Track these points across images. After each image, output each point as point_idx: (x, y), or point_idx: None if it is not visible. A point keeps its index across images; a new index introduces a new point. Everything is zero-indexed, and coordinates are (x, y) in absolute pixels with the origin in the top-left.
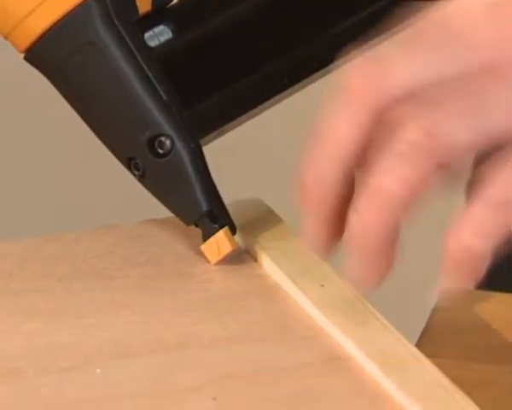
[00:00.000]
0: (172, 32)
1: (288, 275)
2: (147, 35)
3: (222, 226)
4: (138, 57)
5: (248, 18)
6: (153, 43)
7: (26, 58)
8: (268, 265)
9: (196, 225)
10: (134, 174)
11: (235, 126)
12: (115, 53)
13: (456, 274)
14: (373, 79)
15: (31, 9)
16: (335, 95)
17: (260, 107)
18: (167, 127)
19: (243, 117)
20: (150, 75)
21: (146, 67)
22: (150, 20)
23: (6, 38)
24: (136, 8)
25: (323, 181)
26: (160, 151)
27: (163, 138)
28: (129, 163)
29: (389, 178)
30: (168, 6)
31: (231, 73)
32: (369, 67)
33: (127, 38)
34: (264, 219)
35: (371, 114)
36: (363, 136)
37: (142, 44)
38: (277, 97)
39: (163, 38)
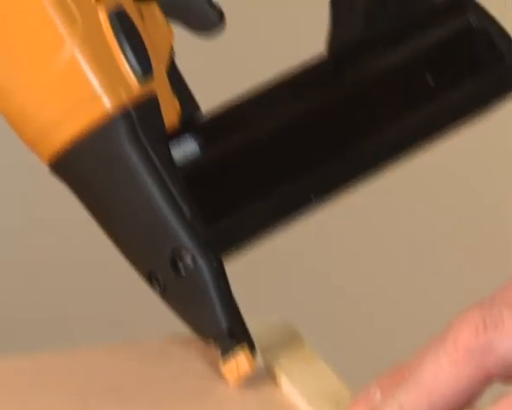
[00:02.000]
0: (199, 146)
1: (308, 400)
2: (173, 149)
3: (241, 345)
4: (163, 174)
5: (277, 134)
6: (179, 157)
7: (49, 168)
8: (288, 388)
9: (215, 343)
10: (154, 289)
11: (259, 242)
12: (140, 169)
13: None
14: (484, 342)
15: (56, 121)
16: (436, 341)
17: (285, 224)
18: (190, 244)
19: (267, 234)
20: (174, 192)
21: (170, 184)
22: (177, 135)
23: (30, 147)
24: (163, 125)
25: None
26: (182, 268)
27: (185, 255)
28: (149, 278)
29: None
30: (196, 121)
31: (257, 189)
32: (480, 325)
33: (153, 155)
34: (287, 340)
35: (479, 378)
36: (464, 396)
37: (168, 160)
38: (303, 213)
39: (189, 152)
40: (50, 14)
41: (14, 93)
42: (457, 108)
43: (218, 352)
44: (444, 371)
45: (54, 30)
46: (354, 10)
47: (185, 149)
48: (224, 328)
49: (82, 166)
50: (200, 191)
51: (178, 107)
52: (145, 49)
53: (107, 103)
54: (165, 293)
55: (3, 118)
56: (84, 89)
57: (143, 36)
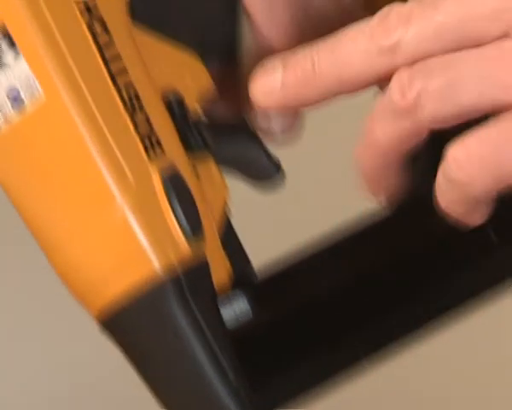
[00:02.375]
0: (251, 306)
1: None
2: (223, 308)
3: None
4: (210, 339)
5: (330, 296)
6: (229, 318)
7: (98, 324)
8: None
9: None
10: None
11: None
12: (187, 334)
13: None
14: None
15: (104, 278)
16: None
17: (333, 383)
18: None
19: (313, 393)
20: (221, 358)
21: (218, 349)
22: (228, 293)
23: (78, 300)
24: (212, 288)
25: None
26: None
27: None
28: None
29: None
30: (248, 279)
31: (307, 351)
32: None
33: (200, 319)
34: None
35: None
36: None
37: (216, 324)
38: (351, 374)
39: (240, 312)
40: (102, 171)
41: (64, 247)
42: None
43: None
44: (359, 54)
45: (105, 187)
46: (414, 170)
47: (236, 309)
48: None
49: (128, 325)
50: (250, 351)
51: (229, 267)
52: (197, 213)
53: (155, 264)
54: None
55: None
56: (133, 248)
57: (197, 195)
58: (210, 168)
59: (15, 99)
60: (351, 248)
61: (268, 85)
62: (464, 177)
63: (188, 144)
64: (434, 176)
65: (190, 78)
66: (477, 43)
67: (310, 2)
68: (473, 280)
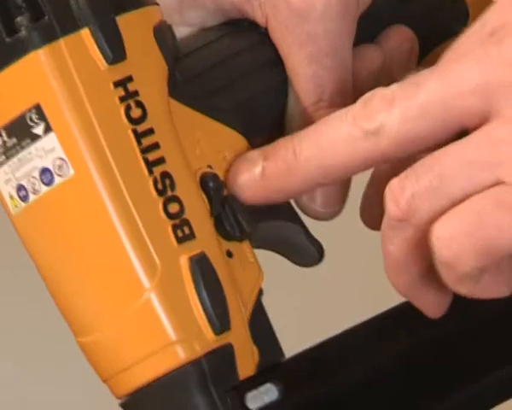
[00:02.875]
0: (279, 392)
1: None
2: (250, 394)
3: None
4: None
5: (362, 384)
6: (255, 405)
7: (121, 405)
8: None
9: None
10: None
11: None
12: None
13: None
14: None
15: (128, 364)
16: None
17: None
18: None
19: None
20: None
21: None
22: (256, 378)
23: (104, 381)
24: (236, 375)
25: None
26: None
27: None
28: None
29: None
30: (278, 367)
31: None
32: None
33: (220, 408)
34: None
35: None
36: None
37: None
38: None
39: (268, 399)
40: (127, 252)
41: (91, 331)
42: None
43: None
44: (341, 140)
45: (132, 273)
46: None
47: (263, 393)
48: None
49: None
50: None
51: (257, 355)
52: (225, 302)
53: (180, 354)
54: None
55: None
56: (157, 337)
57: (226, 280)
58: (244, 251)
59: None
60: (384, 331)
61: (248, 178)
62: (450, 255)
63: (222, 228)
64: None
65: (232, 157)
66: (461, 120)
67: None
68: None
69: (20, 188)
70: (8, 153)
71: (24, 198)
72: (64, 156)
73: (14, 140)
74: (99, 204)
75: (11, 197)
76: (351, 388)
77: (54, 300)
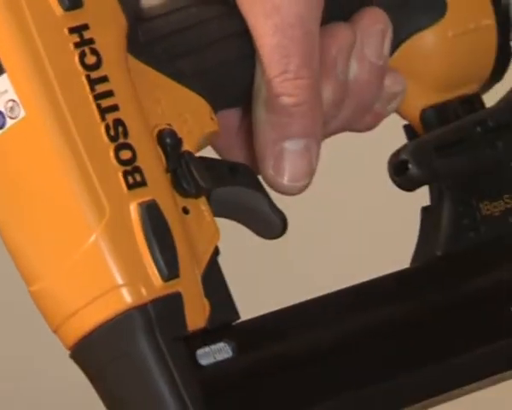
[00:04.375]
0: (233, 350)
1: None
2: (201, 351)
3: None
4: (175, 374)
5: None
6: (206, 361)
7: (70, 356)
8: None
9: None
10: None
11: None
12: (151, 367)
13: None
14: None
15: (73, 310)
16: None
17: None
18: None
19: None
20: (184, 395)
21: (181, 386)
22: (208, 336)
23: (55, 332)
24: (184, 325)
25: None
26: None
27: None
28: None
29: None
30: (231, 323)
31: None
32: None
33: (167, 354)
34: None
35: None
36: None
37: (183, 361)
38: None
39: (220, 357)
40: (78, 200)
41: (39, 278)
42: None
43: None
44: None
45: (80, 216)
46: (440, 229)
47: (215, 352)
48: None
49: (97, 358)
50: (227, 398)
51: (208, 309)
52: (174, 250)
53: (126, 298)
54: None
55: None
56: (103, 281)
57: (178, 232)
58: (201, 209)
59: None
60: (359, 299)
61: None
62: None
63: (179, 184)
64: (456, 233)
65: (193, 120)
66: None
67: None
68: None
69: None
70: None
71: None
72: (16, 98)
73: None
74: (49, 146)
75: None
76: (307, 352)
77: (6, 247)
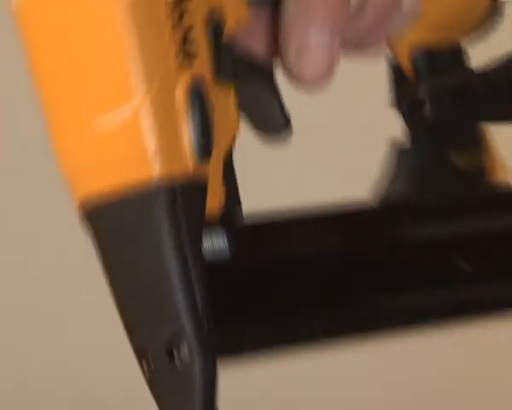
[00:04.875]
0: (230, 248)
1: None
2: (204, 239)
3: None
4: (188, 257)
5: (306, 261)
6: (206, 248)
7: (80, 211)
8: None
9: None
10: (140, 366)
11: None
12: (166, 244)
13: None
14: None
15: (100, 166)
16: None
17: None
18: (192, 336)
19: (265, 355)
20: (193, 279)
21: (192, 270)
22: (211, 228)
23: (68, 178)
24: (203, 210)
25: None
26: (177, 358)
27: (182, 344)
28: (139, 353)
29: None
30: (235, 219)
31: (270, 308)
32: None
33: (183, 235)
34: None
35: None
36: None
37: (197, 246)
38: (304, 346)
39: (218, 248)
40: (128, 58)
41: (68, 124)
42: (495, 299)
43: None
44: None
45: (126, 81)
46: (410, 172)
47: (214, 244)
48: None
49: (112, 220)
50: (218, 290)
51: (223, 199)
52: (210, 132)
53: (156, 169)
54: (152, 376)
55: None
56: (137, 147)
57: (213, 113)
58: (228, 99)
59: None
60: (337, 224)
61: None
62: None
63: (217, 68)
64: (424, 180)
65: (230, 5)
66: None
67: None
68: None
69: None
70: None
71: None
72: None
73: None
74: (112, 11)
75: None
76: (291, 264)
77: (44, 113)
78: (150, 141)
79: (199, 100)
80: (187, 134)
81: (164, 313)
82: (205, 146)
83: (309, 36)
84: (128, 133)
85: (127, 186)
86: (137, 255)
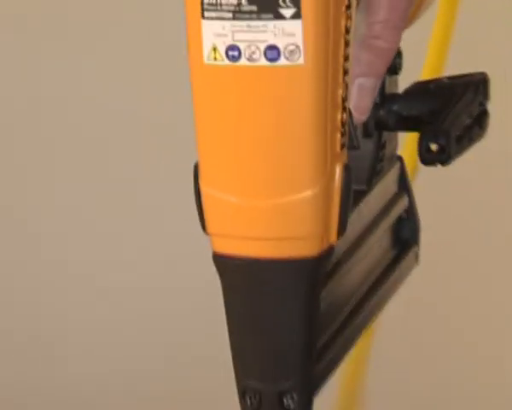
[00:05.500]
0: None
1: None
2: None
3: None
4: (313, 316)
5: None
6: None
7: (229, 262)
8: None
9: None
10: (244, 398)
11: None
12: (302, 308)
13: None
14: None
15: (265, 237)
16: None
17: None
18: (300, 388)
19: None
20: (313, 336)
21: (313, 325)
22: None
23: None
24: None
25: None
26: (285, 403)
27: (291, 392)
28: (246, 389)
29: None
30: None
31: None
32: None
33: (314, 301)
34: None
35: None
36: None
37: (319, 307)
38: None
39: None
40: (310, 148)
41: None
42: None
43: None
44: None
45: (308, 163)
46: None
47: None
48: None
49: (255, 276)
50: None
51: None
52: (349, 211)
53: (314, 248)
54: None
55: None
56: (300, 228)
57: None
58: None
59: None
60: None
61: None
62: None
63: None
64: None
65: None
66: None
67: None
68: None
69: (234, 48)
70: (238, 15)
71: (231, 58)
72: (301, 45)
73: (254, 8)
74: (310, 100)
75: (214, 49)
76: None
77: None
78: (314, 222)
79: (348, 182)
80: (337, 215)
81: (284, 369)
82: (344, 224)
83: (359, 82)
84: (297, 213)
85: (284, 258)
86: (270, 307)
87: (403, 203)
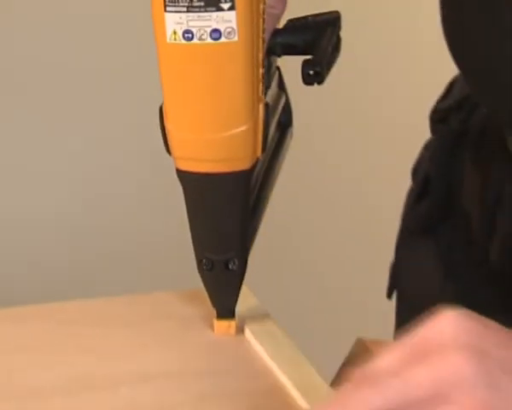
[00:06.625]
0: None
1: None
2: None
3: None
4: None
5: None
6: None
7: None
8: (252, 341)
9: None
10: (201, 266)
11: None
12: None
13: None
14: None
15: (211, 158)
16: None
17: None
18: (240, 254)
19: None
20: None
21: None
22: None
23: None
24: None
25: None
26: (231, 266)
27: (233, 259)
28: (203, 257)
29: None
30: None
31: None
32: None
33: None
34: (260, 319)
35: None
36: None
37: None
38: None
39: None
40: (245, 97)
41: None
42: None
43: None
44: None
45: (241, 107)
46: None
47: None
48: (231, 308)
49: (207, 183)
50: None
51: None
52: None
53: (248, 163)
54: (210, 273)
55: None
56: (238, 152)
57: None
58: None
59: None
60: None
61: None
62: None
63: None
64: None
65: None
66: None
67: None
68: None
69: (189, 32)
70: (191, 8)
71: (187, 38)
72: (235, 28)
73: (202, 3)
74: (243, 62)
75: (174, 33)
76: None
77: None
78: (253, 146)
79: (268, 118)
80: (261, 138)
81: (229, 245)
82: (267, 143)
83: None
84: (240, 143)
85: (229, 171)
86: (219, 205)
87: (282, 100)
